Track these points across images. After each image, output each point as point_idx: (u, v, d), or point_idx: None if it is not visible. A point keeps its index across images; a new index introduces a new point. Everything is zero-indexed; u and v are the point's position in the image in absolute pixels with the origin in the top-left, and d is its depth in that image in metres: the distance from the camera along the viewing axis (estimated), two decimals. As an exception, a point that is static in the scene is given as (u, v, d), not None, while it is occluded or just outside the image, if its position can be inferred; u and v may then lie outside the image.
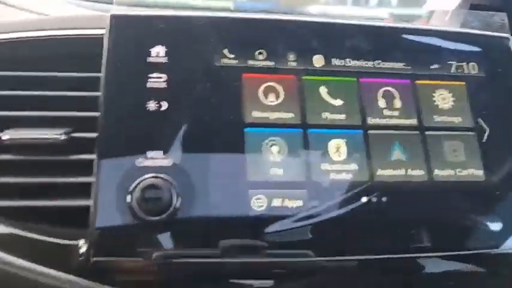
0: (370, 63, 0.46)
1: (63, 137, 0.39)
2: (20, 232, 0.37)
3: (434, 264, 0.41)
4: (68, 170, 0.39)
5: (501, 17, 0.51)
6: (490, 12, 0.51)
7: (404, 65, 0.47)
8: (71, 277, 0.35)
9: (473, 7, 0.63)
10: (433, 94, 0.46)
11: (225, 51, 0.43)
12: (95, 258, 0.35)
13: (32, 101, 0.41)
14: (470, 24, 0.52)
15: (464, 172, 0.43)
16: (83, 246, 0.36)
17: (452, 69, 0.48)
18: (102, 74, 0.40)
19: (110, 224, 0.36)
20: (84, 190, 0.38)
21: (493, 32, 0.52)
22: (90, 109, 0.40)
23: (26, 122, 0.40)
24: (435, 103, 0.46)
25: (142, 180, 0.37)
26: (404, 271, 0.41)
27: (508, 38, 0.51)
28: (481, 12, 0.51)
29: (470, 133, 0.45)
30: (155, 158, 0.38)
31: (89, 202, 0.37)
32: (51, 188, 0.38)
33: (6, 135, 0.38)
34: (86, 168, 0.38)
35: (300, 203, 0.39)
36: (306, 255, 0.38)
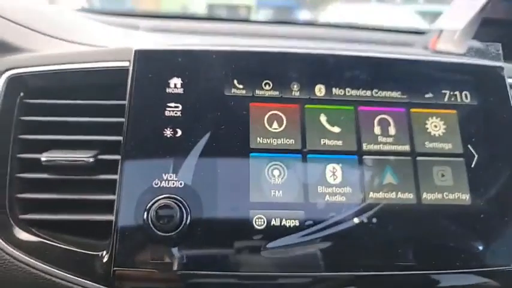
0: (368, 92, 0.50)
1: (91, 160, 0.45)
2: (51, 242, 0.43)
3: (418, 282, 0.45)
4: (94, 187, 0.45)
5: (496, 47, 0.54)
6: (486, 43, 0.54)
7: (400, 94, 0.51)
8: (94, 284, 0.41)
9: (485, 21, 0.66)
10: (426, 122, 0.50)
11: (235, 82, 0.48)
12: (115, 268, 0.40)
13: (65, 126, 0.47)
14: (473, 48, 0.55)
15: (451, 196, 0.47)
16: (105, 257, 0.42)
17: (446, 98, 0.51)
18: (126, 102, 0.46)
19: (129, 238, 0.41)
20: (108, 206, 0.44)
21: (489, 60, 0.55)
22: (116, 133, 0.46)
23: (58, 144, 0.46)
24: (427, 130, 0.50)
25: (157, 200, 0.42)
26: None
27: (501, 67, 0.54)
28: (477, 42, 0.54)
29: (459, 159, 0.49)
30: (170, 180, 0.43)
31: (112, 217, 0.42)
32: (77, 202, 0.45)
33: (44, 157, 0.45)
34: (111, 186, 0.44)
35: (296, 222, 0.44)
36: (300, 270, 0.43)
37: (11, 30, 0.53)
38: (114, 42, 0.63)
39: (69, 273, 0.42)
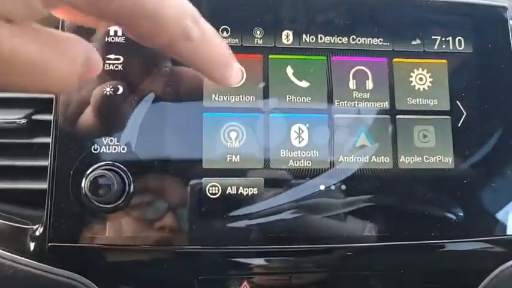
0: (344, 39, 0.43)
1: (23, 121, 0.40)
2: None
3: (387, 254, 0.41)
4: (30, 152, 0.40)
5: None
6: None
7: (382, 41, 0.44)
8: (27, 260, 0.37)
9: None
10: (411, 74, 0.43)
11: (187, 28, 0.41)
12: (50, 244, 0.37)
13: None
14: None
15: (432, 159, 0.42)
16: (38, 230, 0.38)
17: (436, 45, 0.44)
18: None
19: (64, 210, 0.37)
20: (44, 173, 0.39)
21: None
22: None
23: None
24: (411, 84, 0.43)
25: (96, 169, 0.37)
26: (352, 260, 0.41)
27: (504, 8, 0.46)
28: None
29: (445, 117, 0.43)
30: (110, 145, 0.38)
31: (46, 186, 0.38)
32: (13, 170, 0.40)
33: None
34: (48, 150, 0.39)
35: (255, 191, 0.40)
36: (258, 244, 0.39)
37: None
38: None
39: (2, 249, 0.39)
